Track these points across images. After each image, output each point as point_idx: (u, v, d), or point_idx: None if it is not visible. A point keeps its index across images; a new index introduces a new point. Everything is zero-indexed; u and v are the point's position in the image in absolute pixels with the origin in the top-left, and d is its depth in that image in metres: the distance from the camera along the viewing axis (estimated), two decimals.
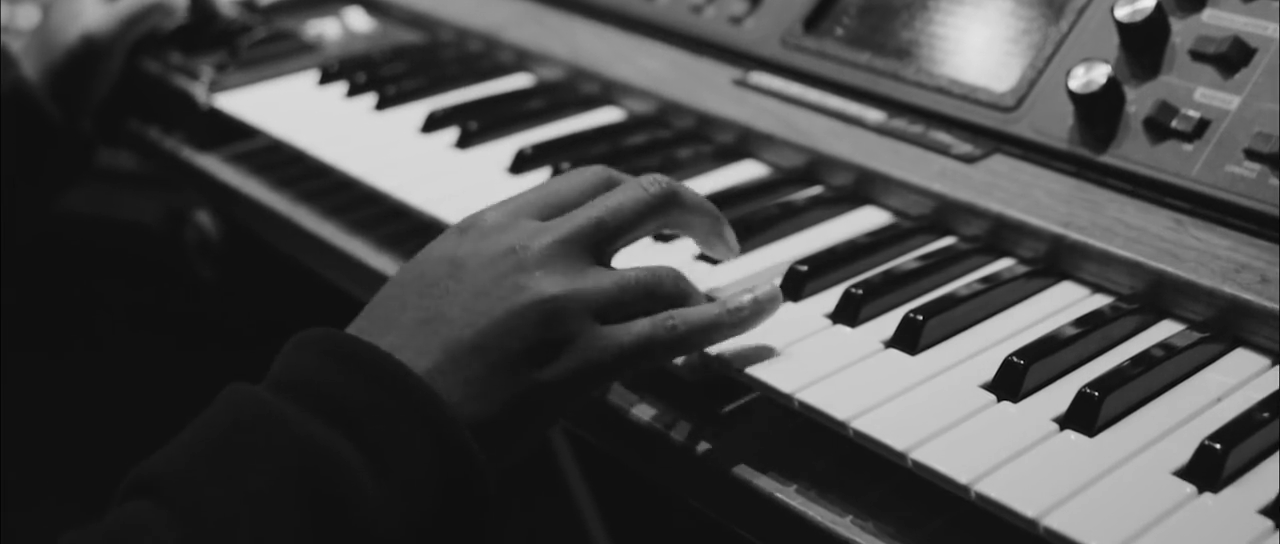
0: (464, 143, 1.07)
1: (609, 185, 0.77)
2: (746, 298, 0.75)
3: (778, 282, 0.83)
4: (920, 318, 0.77)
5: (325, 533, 0.62)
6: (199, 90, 1.21)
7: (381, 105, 1.16)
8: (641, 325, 0.72)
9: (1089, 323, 0.78)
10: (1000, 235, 0.87)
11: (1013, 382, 0.72)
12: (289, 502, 0.62)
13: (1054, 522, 0.63)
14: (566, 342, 0.69)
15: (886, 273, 0.84)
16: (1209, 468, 0.66)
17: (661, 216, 0.76)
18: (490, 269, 0.71)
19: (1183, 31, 0.89)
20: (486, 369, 0.68)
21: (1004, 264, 0.86)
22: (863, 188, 0.95)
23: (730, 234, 0.80)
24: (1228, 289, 0.77)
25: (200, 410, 0.67)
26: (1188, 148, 0.86)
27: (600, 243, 0.73)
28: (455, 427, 0.66)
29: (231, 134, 1.20)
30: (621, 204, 0.74)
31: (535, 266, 0.71)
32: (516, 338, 0.69)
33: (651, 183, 0.75)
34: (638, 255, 0.86)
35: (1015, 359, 0.73)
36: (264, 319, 1.49)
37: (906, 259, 0.87)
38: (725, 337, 0.75)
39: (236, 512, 0.61)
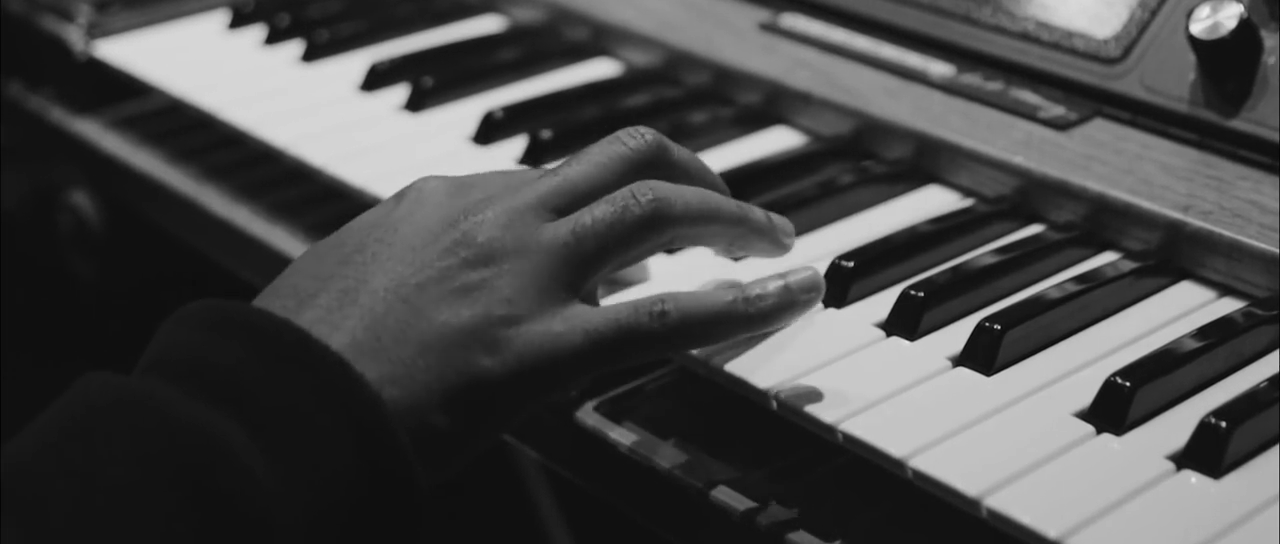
0: (416, 104, 1.08)
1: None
2: (772, 284, 0.76)
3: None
4: (998, 327, 0.78)
5: (208, 531, 0.63)
6: (75, 35, 1.21)
7: (310, 55, 1.16)
8: (620, 310, 0.73)
9: (1214, 334, 0.78)
10: (1101, 222, 0.88)
11: (1116, 409, 0.73)
12: (159, 495, 0.62)
13: None
14: (518, 323, 0.71)
15: (955, 270, 0.85)
16: None
17: (653, 236, 0.76)
18: (429, 234, 0.73)
19: None
20: (418, 350, 0.70)
21: (1105, 259, 0.87)
22: (925, 161, 0.96)
23: (770, 227, 0.80)
24: None
25: None
26: None
27: (568, 204, 0.75)
28: (375, 406, 0.67)
29: (117, 92, 1.21)
30: (590, 174, 0.76)
31: (486, 237, 0.73)
32: (455, 316, 0.71)
33: (642, 191, 0.76)
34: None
35: (1119, 380, 0.74)
36: (155, 327, 1.48)
37: (980, 252, 0.87)
38: (738, 333, 0.76)
39: (92, 509, 0.62)
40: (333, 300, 0.71)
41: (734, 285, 0.77)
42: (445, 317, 0.70)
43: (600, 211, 0.74)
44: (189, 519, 0.62)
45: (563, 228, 0.74)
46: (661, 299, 0.73)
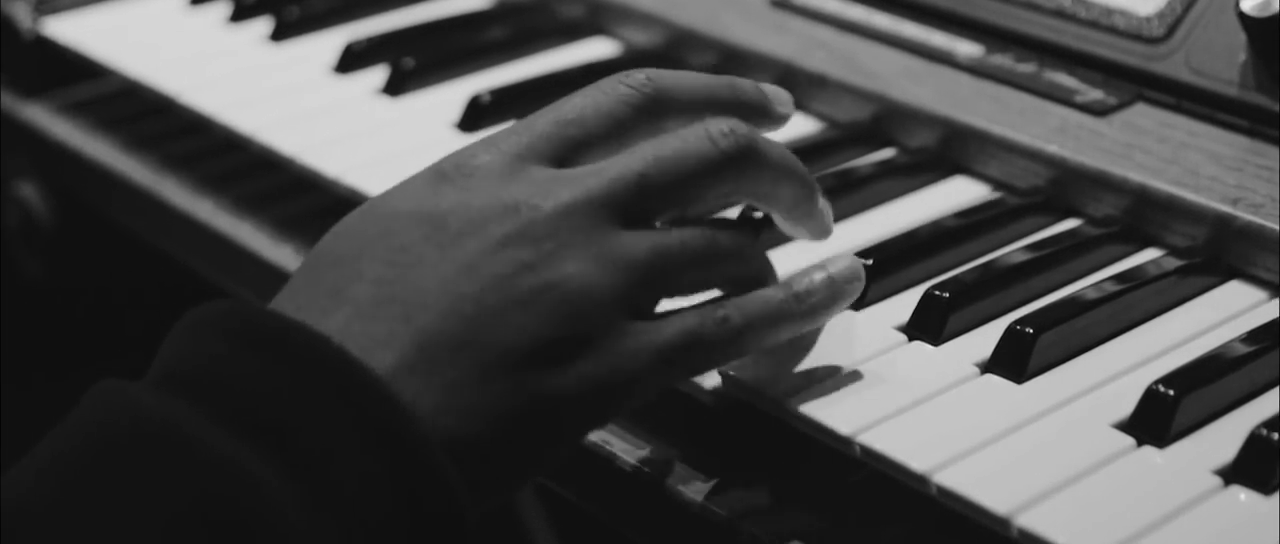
0: (396, 87, 1.08)
1: (656, 111, 0.77)
2: (817, 277, 0.77)
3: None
4: (1030, 331, 0.78)
5: None
6: (21, 11, 1.22)
7: (279, 34, 1.17)
8: (686, 319, 0.73)
9: (1265, 338, 0.79)
10: (1142, 216, 0.89)
11: (1159, 419, 0.73)
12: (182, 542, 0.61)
13: None
14: (587, 340, 0.70)
15: (984, 269, 0.85)
16: None
17: (732, 181, 0.76)
18: (485, 233, 0.71)
19: None
20: (476, 372, 0.68)
21: (1147, 256, 0.88)
22: (951, 150, 0.96)
23: (824, 208, 0.81)
24: None
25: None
26: None
27: (641, 207, 0.74)
28: (426, 446, 0.66)
29: (68, 74, 1.21)
30: (679, 155, 0.75)
31: (547, 236, 0.71)
32: (519, 332, 0.69)
33: (723, 133, 0.76)
34: None
35: (1162, 388, 0.74)
36: (110, 331, 1.49)
37: (1011, 249, 0.88)
38: (793, 333, 0.76)
39: None
40: (377, 308, 0.69)
41: (780, 283, 0.77)
42: (509, 335, 0.69)
43: (689, 235, 0.74)
44: None
45: (643, 242, 0.73)
46: (721, 305, 0.73)
